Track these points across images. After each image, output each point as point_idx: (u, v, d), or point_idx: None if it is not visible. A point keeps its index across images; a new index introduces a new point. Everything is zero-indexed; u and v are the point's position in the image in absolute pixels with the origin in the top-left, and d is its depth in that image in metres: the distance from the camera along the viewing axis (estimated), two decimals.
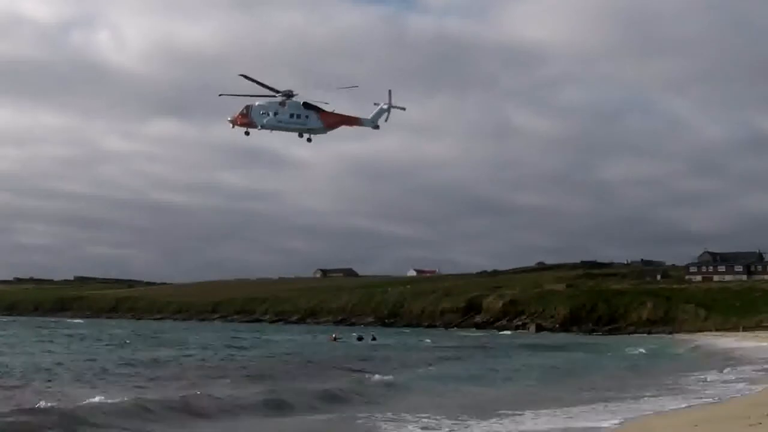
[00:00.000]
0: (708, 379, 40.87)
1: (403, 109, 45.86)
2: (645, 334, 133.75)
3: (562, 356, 67.97)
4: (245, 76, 43.12)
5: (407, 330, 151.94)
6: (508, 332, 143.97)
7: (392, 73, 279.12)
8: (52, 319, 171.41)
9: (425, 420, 24.31)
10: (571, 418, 24.99)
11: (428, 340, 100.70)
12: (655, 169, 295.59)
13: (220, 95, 46.16)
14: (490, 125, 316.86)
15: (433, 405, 28.67)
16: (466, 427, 23.19)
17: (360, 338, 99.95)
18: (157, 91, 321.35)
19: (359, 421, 24.60)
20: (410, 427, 23.15)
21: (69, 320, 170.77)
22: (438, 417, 24.93)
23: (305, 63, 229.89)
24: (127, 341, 77.49)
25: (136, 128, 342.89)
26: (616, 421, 23.50)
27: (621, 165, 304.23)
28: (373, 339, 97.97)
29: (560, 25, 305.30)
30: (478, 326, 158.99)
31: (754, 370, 46.27)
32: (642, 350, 78.93)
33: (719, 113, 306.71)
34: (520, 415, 25.80)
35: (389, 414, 25.65)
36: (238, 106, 45.93)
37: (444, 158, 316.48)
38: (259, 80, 43.71)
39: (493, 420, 24.67)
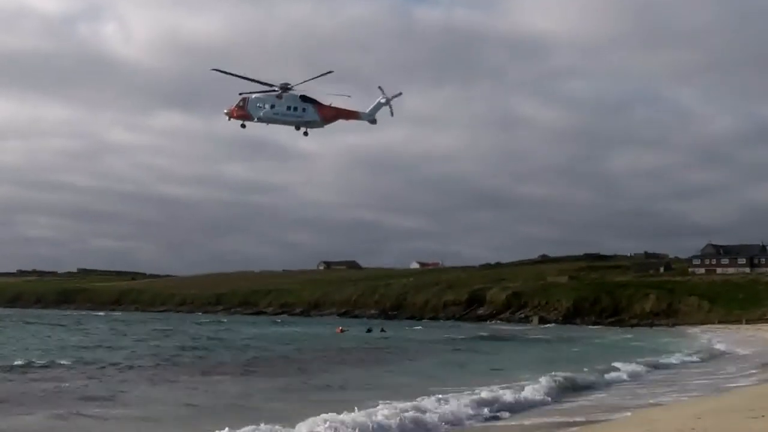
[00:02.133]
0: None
1: (400, 94, 45.56)
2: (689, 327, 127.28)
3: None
4: (218, 70, 42.25)
5: (430, 322, 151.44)
6: (551, 325, 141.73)
7: (399, 64, 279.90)
8: (83, 313, 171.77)
9: None
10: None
11: (483, 333, 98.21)
12: (661, 161, 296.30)
13: (212, 69, 44.70)
14: (496, 117, 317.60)
15: None
16: None
17: (369, 330, 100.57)
18: (162, 84, 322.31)
19: None
20: None
21: (114, 313, 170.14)
22: None
23: (312, 55, 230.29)
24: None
25: (141, 120, 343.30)
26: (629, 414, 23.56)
27: (627, 156, 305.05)
28: (382, 331, 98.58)
29: (567, 15, 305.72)
30: (481, 319, 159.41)
31: (762, 362, 46.25)
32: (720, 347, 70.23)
33: (727, 104, 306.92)
34: None
35: None
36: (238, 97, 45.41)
37: (450, 150, 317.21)
38: (233, 72, 43.08)
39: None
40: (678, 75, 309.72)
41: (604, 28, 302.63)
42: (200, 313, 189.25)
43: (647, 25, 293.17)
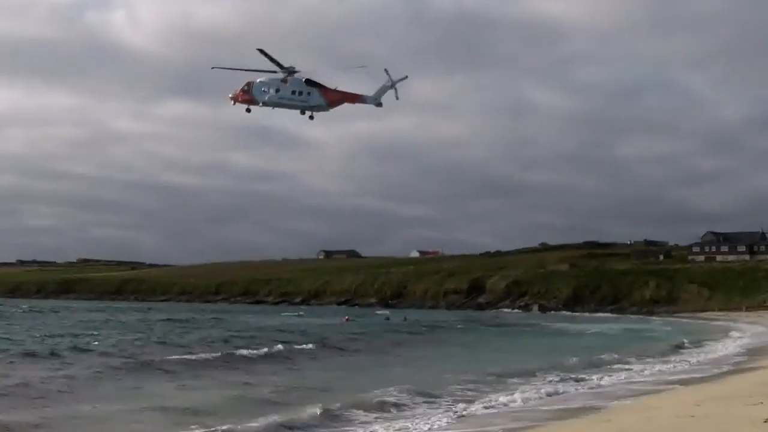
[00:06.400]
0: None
1: (405, 77, 45.12)
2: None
3: None
4: (262, 51, 41.77)
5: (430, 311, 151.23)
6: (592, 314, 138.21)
7: (410, 50, 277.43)
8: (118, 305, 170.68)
9: None
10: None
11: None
12: (670, 148, 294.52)
13: (212, 68, 44.46)
14: (506, 104, 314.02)
15: None
16: None
17: (387, 318, 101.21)
18: (171, 71, 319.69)
19: None
20: None
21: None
22: None
23: (322, 41, 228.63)
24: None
25: (148, 109, 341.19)
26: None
27: (636, 143, 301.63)
28: (404, 319, 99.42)
29: (580, 1, 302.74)
30: (482, 307, 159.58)
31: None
32: None
33: (738, 91, 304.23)
34: None
35: None
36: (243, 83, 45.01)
37: (458, 137, 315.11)
38: (274, 57, 42.83)
39: None
40: (690, 61, 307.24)
41: (617, 14, 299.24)
42: (178, 302, 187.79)
43: (660, 10, 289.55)
